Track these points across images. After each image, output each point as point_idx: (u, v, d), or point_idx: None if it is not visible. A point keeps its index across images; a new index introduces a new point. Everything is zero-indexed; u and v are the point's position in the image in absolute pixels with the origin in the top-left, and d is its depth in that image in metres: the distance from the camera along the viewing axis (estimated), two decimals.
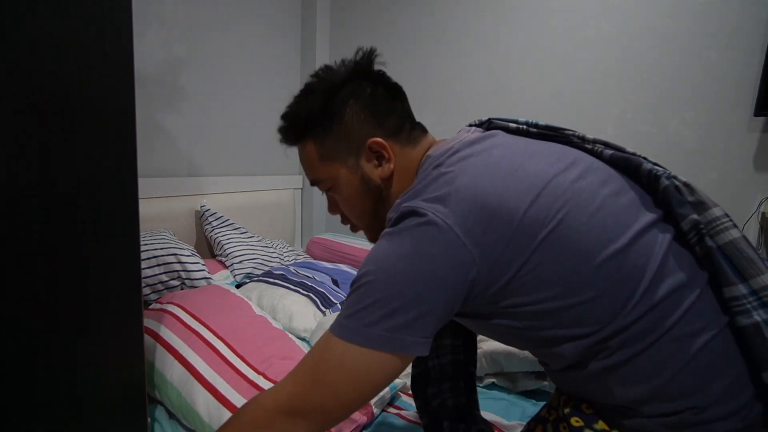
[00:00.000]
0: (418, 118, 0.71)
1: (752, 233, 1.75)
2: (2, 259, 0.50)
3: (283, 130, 0.66)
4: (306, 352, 0.98)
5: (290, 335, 1.06)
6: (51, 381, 0.57)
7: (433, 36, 2.19)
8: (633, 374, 0.49)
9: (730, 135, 1.74)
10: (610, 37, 1.87)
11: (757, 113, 1.63)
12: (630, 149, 0.58)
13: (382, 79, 0.64)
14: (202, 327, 0.96)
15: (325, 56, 2.42)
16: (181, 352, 0.89)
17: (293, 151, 0.67)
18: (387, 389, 0.92)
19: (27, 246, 0.52)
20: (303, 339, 1.22)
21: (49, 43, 0.52)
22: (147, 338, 0.93)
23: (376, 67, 0.64)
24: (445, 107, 2.19)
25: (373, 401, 0.87)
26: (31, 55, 0.50)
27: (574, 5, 1.91)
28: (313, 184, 0.66)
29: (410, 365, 0.77)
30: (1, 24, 0.48)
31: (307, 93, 0.65)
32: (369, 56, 0.63)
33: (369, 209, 0.64)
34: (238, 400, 0.79)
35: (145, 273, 1.27)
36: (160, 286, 1.32)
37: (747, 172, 1.74)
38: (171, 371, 0.86)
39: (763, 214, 1.72)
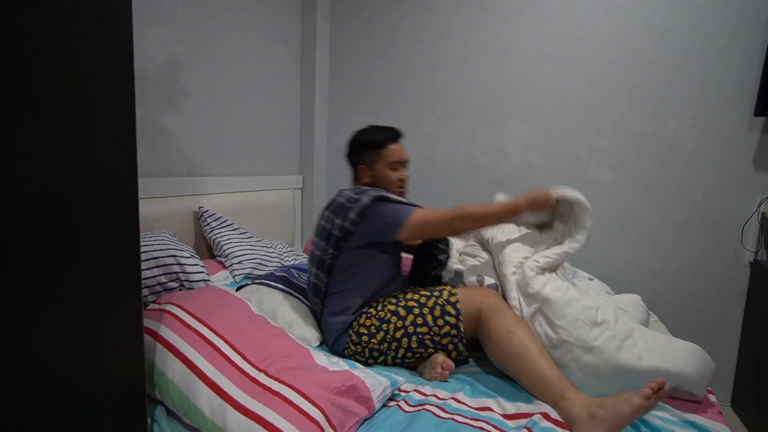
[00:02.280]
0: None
1: (752, 233, 1.76)
2: (2, 258, 0.50)
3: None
4: (306, 349, 0.98)
5: (290, 334, 1.06)
6: (51, 380, 0.57)
7: (433, 39, 2.19)
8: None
9: (730, 135, 1.75)
10: (609, 37, 1.87)
11: (757, 113, 1.64)
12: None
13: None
14: (202, 326, 0.96)
15: (324, 56, 2.42)
16: (181, 350, 0.89)
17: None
18: (388, 386, 0.93)
19: (27, 246, 0.52)
20: None
21: (50, 44, 0.52)
22: (146, 338, 0.93)
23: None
24: (445, 108, 2.19)
25: (375, 396, 0.89)
26: (31, 55, 0.50)
27: (574, 6, 1.91)
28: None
29: None
30: (1, 24, 0.47)
31: None
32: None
33: None
34: (240, 396, 0.79)
35: (144, 274, 1.27)
36: (158, 288, 1.32)
37: (747, 172, 1.74)
38: (172, 369, 0.86)
39: (763, 214, 1.72)
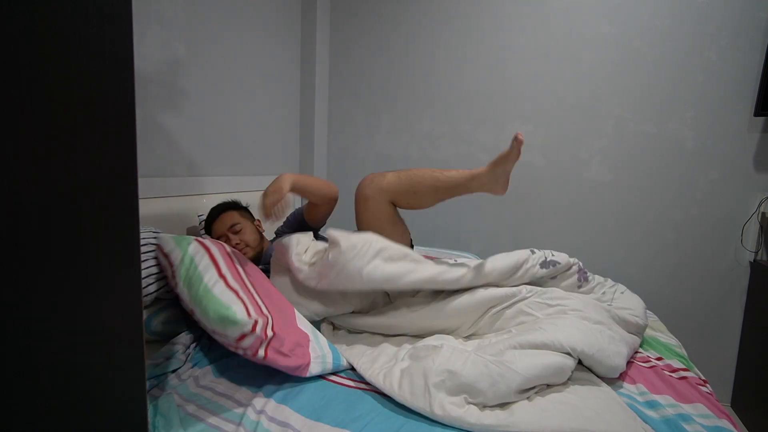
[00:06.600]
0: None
1: (752, 233, 1.76)
2: (2, 259, 0.50)
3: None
4: (293, 309, 1.17)
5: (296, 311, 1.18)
6: (50, 381, 0.57)
7: (434, 39, 2.20)
8: None
9: (730, 135, 1.75)
10: (610, 37, 1.87)
11: (757, 113, 1.64)
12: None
13: None
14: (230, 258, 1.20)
15: (324, 55, 2.42)
16: (210, 249, 1.18)
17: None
18: (329, 359, 1.01)
19: (26, 246, 0.52)
20: None
21: (49, 43, 0.52)
22: (197, 246, 1.18)
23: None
24: (445, 108, 2.19)
25: (312, 354, 1.00)
26: (30, 55, 0.50)
27: (574, 5, 1.91)
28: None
29: None
30: (0, 24, 0.48)
31: None
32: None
33: None
34: (231, 281, 1.08)
35: (145, 273, 1.27)
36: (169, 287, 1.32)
37: (747, 172, 1.74)
38: (196, 254, 1.15)
39: (763, 214, 1.72)
